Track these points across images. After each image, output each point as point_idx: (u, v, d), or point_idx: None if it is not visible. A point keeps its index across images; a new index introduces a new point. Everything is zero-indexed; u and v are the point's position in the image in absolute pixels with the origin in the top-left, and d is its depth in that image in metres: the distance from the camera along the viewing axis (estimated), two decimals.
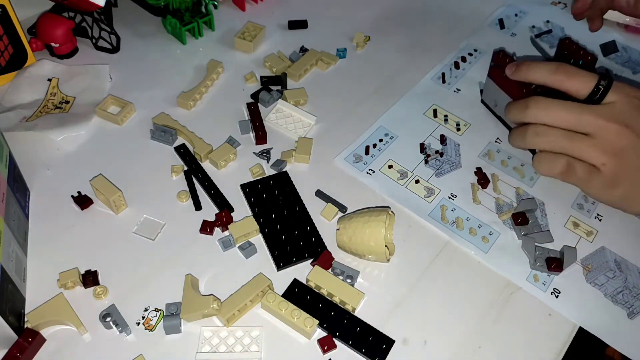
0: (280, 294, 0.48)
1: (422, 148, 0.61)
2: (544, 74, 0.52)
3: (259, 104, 0.64)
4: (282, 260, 0.51)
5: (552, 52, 0.71)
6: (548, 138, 0.51)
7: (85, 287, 0.48)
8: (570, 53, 0.61)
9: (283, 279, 0.50)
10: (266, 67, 0.69)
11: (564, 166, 0.51)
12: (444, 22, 0.77)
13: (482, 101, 0.65)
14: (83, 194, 0.54)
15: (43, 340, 0.45)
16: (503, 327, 0.48)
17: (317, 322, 0.46)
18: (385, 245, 0.48)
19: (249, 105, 0.63)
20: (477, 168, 0.59)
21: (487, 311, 0.49)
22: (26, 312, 0.46)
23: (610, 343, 0.47)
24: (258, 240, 0.52)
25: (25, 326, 0.45)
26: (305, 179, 0.57)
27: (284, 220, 0.54)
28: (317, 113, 0.63)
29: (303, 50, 0.71)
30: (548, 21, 0.77)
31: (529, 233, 0.53)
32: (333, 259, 0.51)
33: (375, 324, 0.47)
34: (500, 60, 0.59)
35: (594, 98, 0.50)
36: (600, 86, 0.50)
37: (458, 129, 0.63)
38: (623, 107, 0.49)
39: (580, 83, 0.50)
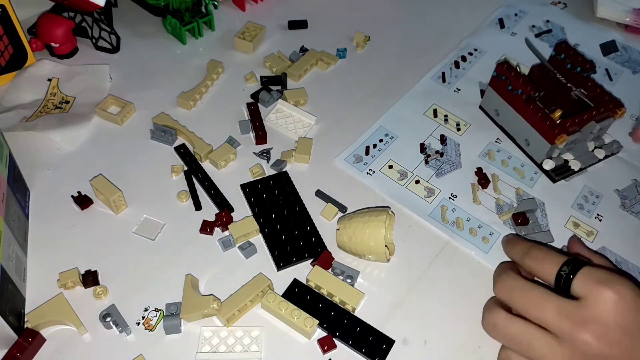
0: (280, 294, 0.48)
1: (422, 148, 0.61)
2: (518, 255, 0.46)
3: (259, 104, 0.64)
4: (282, 260, 0.51)
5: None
6: (505, 332, 0.43)
7: (85, 287, 0.48)
8: (567, 57, 0.60)
9: (283, 279, 0.50)
10: (266, 67, 0.69)
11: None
12: (444, 21, 0.77)
13: (481, 107, 0.65)
14: (83, 194, 0.54)
15: (43, 340, 0.45)
16: None
17: (317, 322, 0.46)
18: (385, 245, 0.48)
19: (249, 105, 0.63)
20: (477, 168, 0.59)
21: None
22: (26, 312, 0.46)
23: None
24: (258, 240, 0.52)
25: (25, 326, 0.45)
26: (305, 179, 0.57)
27: (284, 220, 0.54)
28: (317, 113, 0.63)
29: (303, 50, 0.71)
30: (548, 21, 0.77)
31: (530, 233, 0.53)
32: (333, 259, 0.51)
33: (375, 324, 0.47)
34: (504, 71, 0.59)
35: (560, 286, 0.41)
36: (562, 272, 0.41)
37: (458, 129, 0.63)
38: (595, 306, 0.39)
39: (547, 269, 0.43)
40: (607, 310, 0.38)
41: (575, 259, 0.42)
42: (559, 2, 0.81)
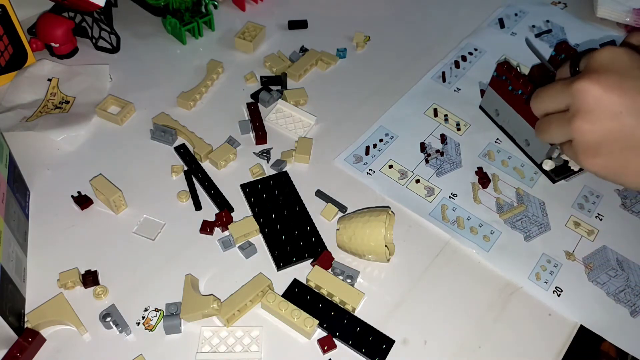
0: (280, 294, 0.48)
1: (423, 147, 0.61)
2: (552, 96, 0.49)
3: (259, 104, 0.64)
4: (282, 260, 0.51)
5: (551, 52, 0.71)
6: (543, 127, 0.48)
7: (85, 287, 0.48)
8: (567, 57, 0.60)
9: (283, 279, 0.50)
10: (266, 67, 0.69)
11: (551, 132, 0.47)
12: (444, 21, 0.77)
13: (481, 107, 0.65)
14: (83, 194, 0.54)
15: (43, 340, 0.45)
16: (503, 327, 0.48)
17: (317, 322, 0.46)
18: (385, 245, 0.48)
19: (249, 105, 0.63)
20: (478, 168, 0.59)
21: (487, 311, 0.49)
22: (26, 312, 0.46)
23: (613, 341, 0.47)
24: (258, 240, 0.52)
25: (25, 326, 0.45)
26: (305, 179, 0.57)
27: (284, 220, 0.54)
28: (317, 113, 0.63)
29: (303, 50, 0.71)
30: (548, 21, 0.77)
31: None
32: (333, 259, 0.50)
33: (375, 324, 0.47)
34: (504, 72, 0.59)
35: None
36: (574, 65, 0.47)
37: (458, 129, 0.63)
38: (592, 60, 0.43)
39: (563, 72, 0.49)
40: (602, 57, 0.42)
41: (579, 53, 0.46)
42: (559, 2, 0.81)
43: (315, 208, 0.55)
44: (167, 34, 0.72)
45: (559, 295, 0.50)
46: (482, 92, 0.66)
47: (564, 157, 0.59)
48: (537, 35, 0.75)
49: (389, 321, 0.48)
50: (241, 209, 0.55)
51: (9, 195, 0.48)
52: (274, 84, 0.67)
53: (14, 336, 0.43)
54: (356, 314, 0.48)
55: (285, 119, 0.63)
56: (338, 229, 0.50)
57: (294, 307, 0.46)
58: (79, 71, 0.66)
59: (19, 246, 0.48)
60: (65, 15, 0.68)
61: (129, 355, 0.45)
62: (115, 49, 0.69)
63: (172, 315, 0.46)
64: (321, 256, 0.50)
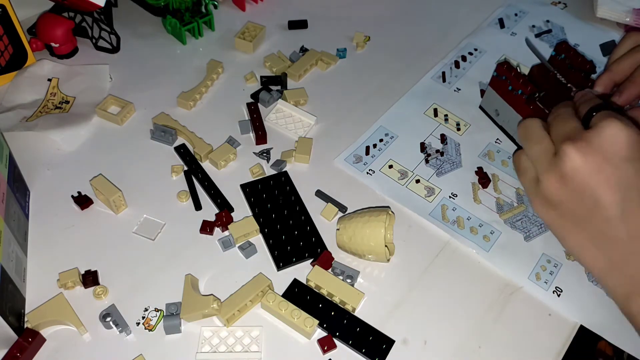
0: (280, 294, 0.48)
1: (423, 147, 0.61)
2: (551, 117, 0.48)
3: (259, 104, 0.64)
4: (282, 260, 0.51)
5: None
6: (525, 128, 0.48)
7: (85, 287, 0.48)
8: (567, 57, 0.60)
9: (283, 279, 0.50)
10: (266, 67, 0.69)
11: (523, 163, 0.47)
12: (444, 21, 0.77)
13: (481, 107, 0.65)
14: (83, 194, 0.54)
15: (43, 340, 0.45)
16: (503, 327, 0.48)
17: (317, 322, 0.46)
18: (385, 245, 0.48)
19: (249, 105, 0.63)
20: (478, 168, 0.59)
21: (487, 311, 0.49)
22: (26, 312, 0.46)
23: (613, 341, 0.47)
24: (258, 240, 0.52)
25: (25, 326, 0.45)
26: (305, 179, 0.57)
27: (284, 220, 0.54)
28: (317, 113, 0.63)
29: (303, 50, 0.71)
30: (548, 21, 0.77)
31: None
32: (333, 259, 0.50)
33: (375, 324, 0.47)
34: (504, 72, 0.59)
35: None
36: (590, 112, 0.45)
37: (458, 129, 0.63)
38: (596, 131, 0.42)
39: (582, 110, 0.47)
40: (602, 136, 0.41)
41: (604, 104, 0.45)
42: (559, 2, 0.81)
43: (315, 208, 0.55)
44: (167, 34, 0.72)
45: (559, 295, 0.50)
46: (482, 92, 0.66)
47: None
48: (537, 35, 0.75)
49: (388, 321, 0.48)
50: (241, 209, 0.55)
51: (9, 195, 0.48)
52: (274, 84, 0.67)
53: (14, 336, 0.43)
54: (356, 314, 0.48)
55: (285, 119, 0.63)
56: (338, 229, 0.50)
57: (294, 307, 0.46)
58: (79, 71, 0.66)
59: (19, 246, 0.48)
60: (65, 15, 0.68)
61: (129, 355, 0.45)
62: (115, 49, 0.69)
63: (172, 315, 0.46)
64: (321, 256, 0.50)
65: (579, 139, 0.42)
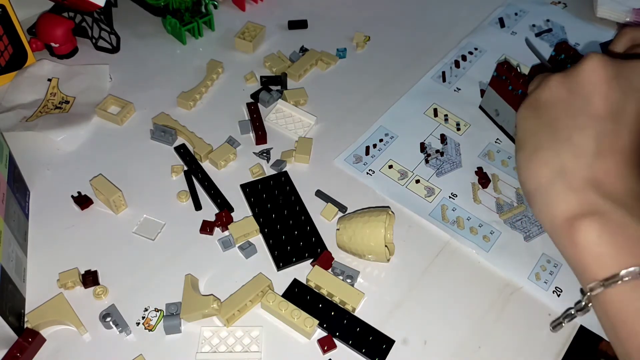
0: (280, 294, 0.48)
1: (423, 147, 0.61)
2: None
3: (259, 104, 0.64)
4: (282, 260, 0.51)
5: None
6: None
7: (85, 287, 0.48)
8: (567, 57, 0.60)
9: (283, 279, 0.50)
10: (266, 67, 0.69)
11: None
12: (444, 21, 0.77)
13: (481, 107, 0.65)
14: (83, 194, 0.54)
15: (43, 340, 0.45)
16: (503, 327, 0.48)
17: (317, 322, 0.46)
18: (385, 245, 0.48)
19: (249, 105, 0.63)
20: (477, 168, 0.59)
21: (487, 311, 0.49)
22: (26, 312, 0.46)
23: None
24: (258, 240, 0.52)
25: (25, 326, 0.45)
26: (305, 179, 0.57)
27: (284, 220, 0.54)
28: (317, 113, 0.63)
29: (303, 50, 0.71)
30: (548, 20, 0.77)
31: None
32: (333, 259, 0.50)
33: (375, 324, 0.47)
34: (504, 72, 0.58)
35: None
36: None
37: (458, 129, 0.63)
38: (577, 66, 0.42)
39: None
40: (582, 67, 0.41)
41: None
42: (559, 2, 0.81)
43: (315, 208, 0.55)
44: (167, 34, 0.72)
45: (558, 296, 0.50)
46: (482, 92, 0.66)
47: None
48: (537, 35, 0.75)
49: (388, 321, 0.48)
50: (241, 209, 0.55)
51: (9, 195, 0.48)
52: (274, 84, 0.67)
53: (14, 336, 0.43)
54: (356, 314, 0.48)
55: (285, 119, 0.63)
56: (338, 229, 0.50)
57: (294, 307, 0.46)
58: (79, 71, 0.66)
59: (19, 246, 0.48)
60: (65, 15, 0.68)
61: (129, 355, 0.45)
62: (115, 49, 0.69)
63: (172, 315, 0.46)
64: (321, 256, 0.50)
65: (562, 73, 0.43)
